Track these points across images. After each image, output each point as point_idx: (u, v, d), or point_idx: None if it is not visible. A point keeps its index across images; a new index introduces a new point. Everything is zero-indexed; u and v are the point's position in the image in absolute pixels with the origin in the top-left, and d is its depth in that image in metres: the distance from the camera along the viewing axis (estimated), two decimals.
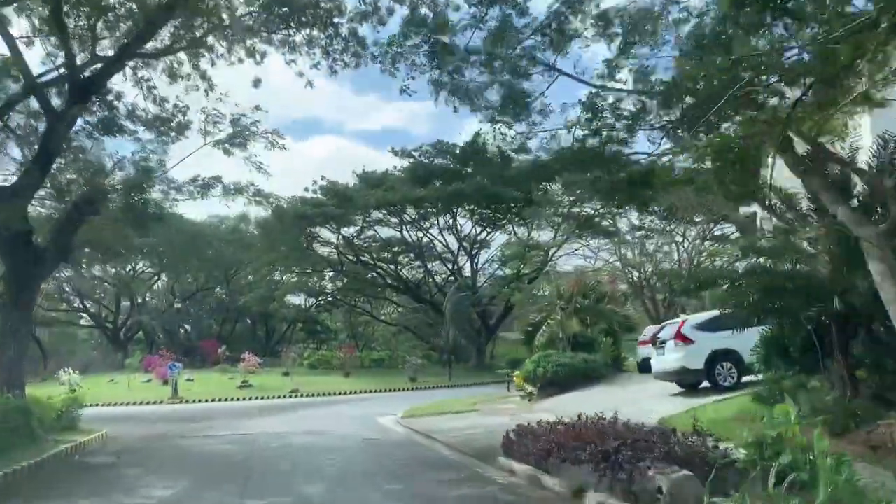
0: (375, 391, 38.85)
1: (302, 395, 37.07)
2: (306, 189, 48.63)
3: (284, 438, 17.40)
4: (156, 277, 65.55)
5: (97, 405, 35.21)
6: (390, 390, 39.35)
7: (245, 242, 57.93)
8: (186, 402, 35.47)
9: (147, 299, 69.83)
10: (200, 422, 23.81)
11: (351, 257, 55.94)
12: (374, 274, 57.13)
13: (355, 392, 38.24)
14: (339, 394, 37.78)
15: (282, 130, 23.79)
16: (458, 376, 45.32)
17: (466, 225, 56.51)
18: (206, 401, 35.67)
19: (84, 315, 66.60)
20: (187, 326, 69.34)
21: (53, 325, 67.41)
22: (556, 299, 23.94)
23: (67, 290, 62.94)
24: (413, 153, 52.12)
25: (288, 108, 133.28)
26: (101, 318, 65.48)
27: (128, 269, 63.02)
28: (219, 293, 68.80)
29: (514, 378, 33.10)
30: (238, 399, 36.16)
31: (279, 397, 36.71)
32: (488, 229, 56.86)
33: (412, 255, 59.40)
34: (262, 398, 36.39)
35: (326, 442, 16.69)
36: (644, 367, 24.70)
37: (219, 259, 61.79)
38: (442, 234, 56.14)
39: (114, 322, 64.36)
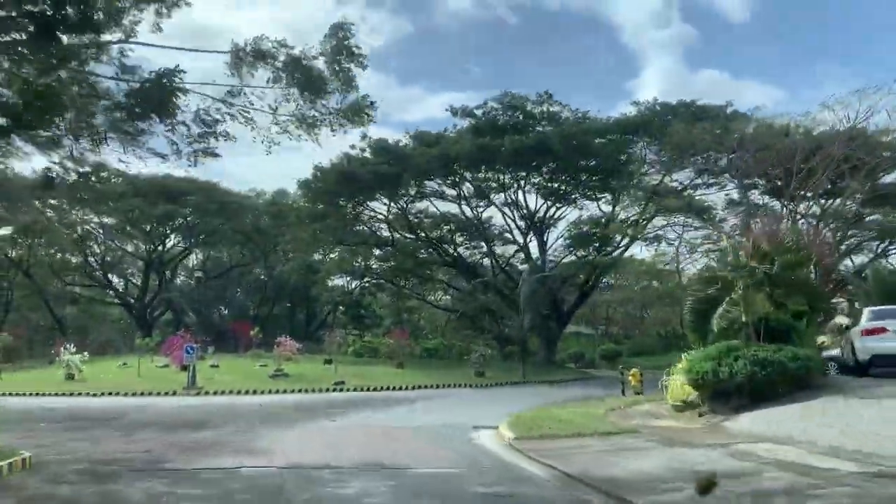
0: (437, 387, 30.47)
1: (348, 389, 28.90)
2: (352, 146, 40.21)
3: (332, 485, 9.10)
4: (186, 252, 57.76)
5: (90, 395, 27.60)
6: (454, 386, 30.98)
7: (284, 215, 50.03)
8: (206, 393, 27.60)
9: (181, 277, 62.63)
10: (207, 429, 15.71)
11: (404, 233, 47.52)
12: (430, 250, 48.55)
13: (413, 387, 29.91)
14: (394, 388, 29.51)
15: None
16: (528, 372, 36.72)
17: (531, 202, 48.13)
18: (230, 392, 27.72)
19: (111, 292, 59.24)
20: (221, 308, 61.92)
21: (78, 303, 60.50)
22: (747, 261, 15.05)
23: (92, 263, 55.90)
24: (475, 111, 43.49)
25: None
26: (128, 296, 58.13)
27: (157, 244, 55.64)
28: (257, 273, 61.24)
29: (630, 377, 24.57)
30: (269, 391, 28.08)
31: (320, 391, 28.58)
32: (557, 204, 47.97)
33: (469, 232, 50.93)
34: (300, 391, 28.30)
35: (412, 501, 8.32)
36: (868, 366, 15.87)
37: (256, 232, 54.12)
38: (510, 208, 47.34)
39: (140, 300, 56.88)
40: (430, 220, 49.72)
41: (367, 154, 40.01)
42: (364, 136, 38.93)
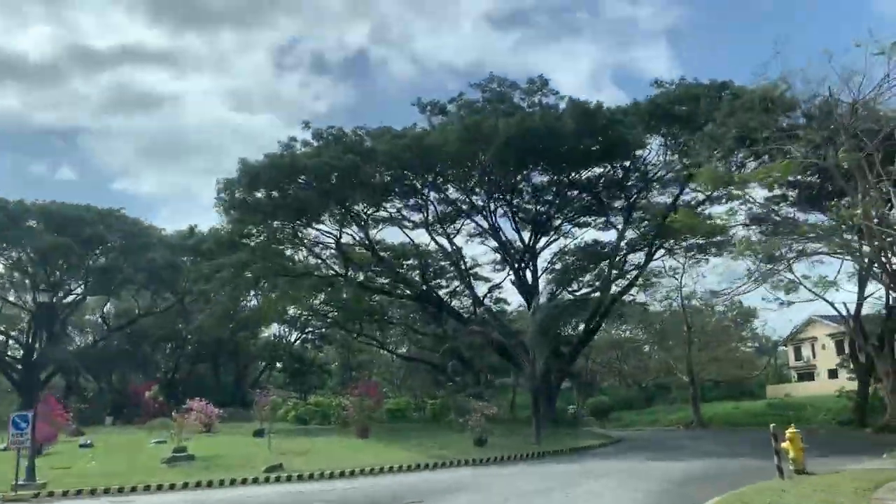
0: (428, 467, 19.38)
1: (289, 478, 17.53)
2: (293, 139, 29.46)
3: None
4: (81, 299, 45.12)
5: None
6: (454, 464, 19.94)
7: (203, 250, 38.34)
8: (49, 494, 15.89)
9: (87, 332, 49.62)
10: None
11: (361, 260, 36.49)
12: (392, 285, 37.61)
13: (392, 469, 18.73)
14: (364, 473, 18.24)
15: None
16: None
17: (510, 229, 38.33)
18: (91, 492, 16.05)
19: None
20: (129, 369, 48.97)
21: None
22: None
23: None
24: (448, 106, 33.38)
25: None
26: (6, 357, 44.87)
27: (44, 288, 42.85)
28: (176, 325, 48.72)
29: (788, 444, 14.12)
30: (156, 488, 16.49)
31: (243, 482, 17.14)
32: (546, 227, 37.84)
33: (436, 267, 40.58)
34: (208, 485, 16.80)
35: None
36: None
37: (170, 271, 42.21)
38: (488, 234, 37.07)
39: (25, 361, 43.78)
40: (390, 252, 39.29)
41: (317, 144, 29.04)
42: (307, 125, 28.33)
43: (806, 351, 67.08)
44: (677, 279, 41.78)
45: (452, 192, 36.81)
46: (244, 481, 17.09)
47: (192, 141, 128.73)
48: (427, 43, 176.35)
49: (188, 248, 42.16)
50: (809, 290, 28.98)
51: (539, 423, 24.68)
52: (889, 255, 20.70)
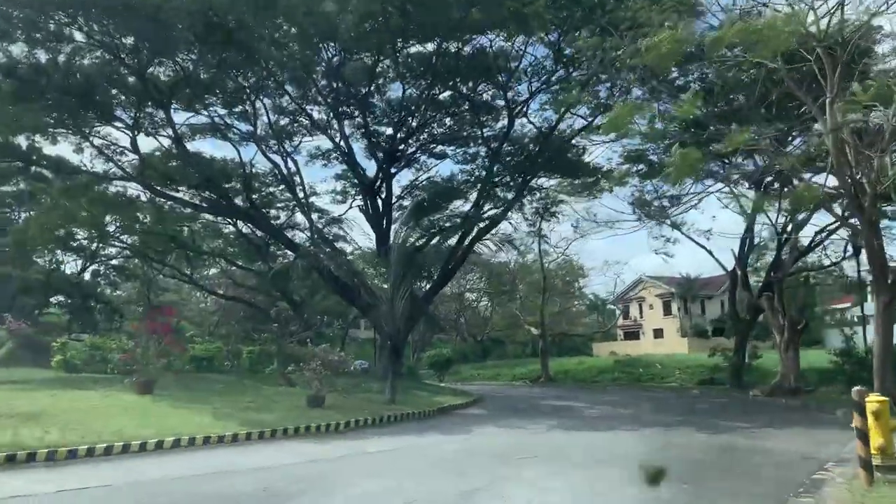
0: (235, 440, 12.58)
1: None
2: None
3: None
4: None
5: None
6: (275, 435, 13.29)
7: None
8: None
9: None
10: None
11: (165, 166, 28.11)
12: (210, 204, 29.60)
13: (180, 444, 11.74)
14: (132, 449, 11.11)
15: None
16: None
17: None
18: None
19: None
20: None
21: None
22: None
23: None
24: None
25: None
26: None
27: None
28: None
29: (872, 421, 8.78)
30: None
31: None
32: (394, 159, 31.47)
33: (263, 190, 33.18)
34: None
35: None
36: None
37: None
38: (346, 149, 30.27)
39: None
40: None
41: None
42: None
43: (634, 310, 66.95)
44: (535, 224, 37.73)
45: (289, 102, 29.68)
46: None
47: None
48: None
49: None
50: (695, 230, 25.30)
51: (395, 376, 18.61)
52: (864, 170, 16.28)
